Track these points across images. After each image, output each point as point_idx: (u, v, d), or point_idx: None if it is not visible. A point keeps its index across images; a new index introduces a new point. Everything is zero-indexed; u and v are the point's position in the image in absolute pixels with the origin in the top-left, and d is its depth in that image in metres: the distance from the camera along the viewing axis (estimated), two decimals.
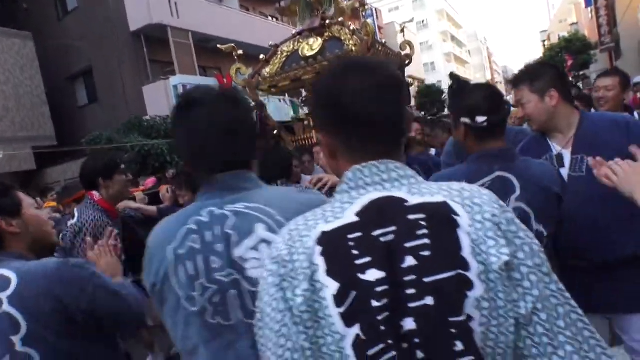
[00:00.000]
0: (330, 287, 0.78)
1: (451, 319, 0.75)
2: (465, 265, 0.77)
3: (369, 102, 0.88)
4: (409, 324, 0.75)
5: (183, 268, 1.15)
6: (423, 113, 33.57)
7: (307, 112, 7.86)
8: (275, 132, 7.89)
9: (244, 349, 1.12)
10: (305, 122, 7.91)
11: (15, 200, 1.56)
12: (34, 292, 1.34)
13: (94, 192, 2.71)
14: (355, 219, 0.83)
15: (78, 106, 18.00)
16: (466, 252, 0.77)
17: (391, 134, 0.92)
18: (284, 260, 0.83)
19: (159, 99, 15.80)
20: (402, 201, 0.83)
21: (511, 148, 1.79)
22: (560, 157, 2.00)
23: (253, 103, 7.59)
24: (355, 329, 0.76)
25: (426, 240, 0.78)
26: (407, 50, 6.31)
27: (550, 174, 1.76)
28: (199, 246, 1.15)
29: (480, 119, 1.71)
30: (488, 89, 1.83)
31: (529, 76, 2.06)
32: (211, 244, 1.14)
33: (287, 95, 8.25)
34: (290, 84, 7.04)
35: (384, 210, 0.82)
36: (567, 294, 0.83)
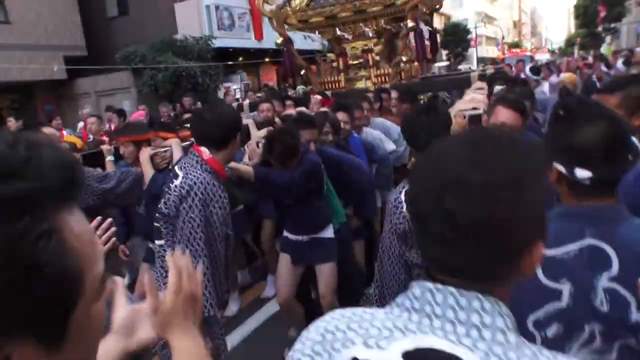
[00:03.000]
0: None
1: None
2: None
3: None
4: None
5: None
6: (447, 52, 32.99)
7: (336, 52, 7.25)
8: (302, 72, 7.58)
9: None
10: (334, 64, 7.30)
11: None
12: None
13: (203, 149, 2.26)
14: None
15: (107, 17, 18.02)
16: None
17: (493, 246, 0.63)
18: None
19: (191, 18, 16.05)
20: None
21: (617, 208, 1.20)
22: None
23: (280, 39, 7.07)
24: None
25: None
26: None
27: None
28: None
29: (582, 173, 1.13)
30: (610, 126, 1.16)
31: None
32: None
33: (317, 33, 7.94)
34: (324, 20, 6.63)
35: None
36: None
